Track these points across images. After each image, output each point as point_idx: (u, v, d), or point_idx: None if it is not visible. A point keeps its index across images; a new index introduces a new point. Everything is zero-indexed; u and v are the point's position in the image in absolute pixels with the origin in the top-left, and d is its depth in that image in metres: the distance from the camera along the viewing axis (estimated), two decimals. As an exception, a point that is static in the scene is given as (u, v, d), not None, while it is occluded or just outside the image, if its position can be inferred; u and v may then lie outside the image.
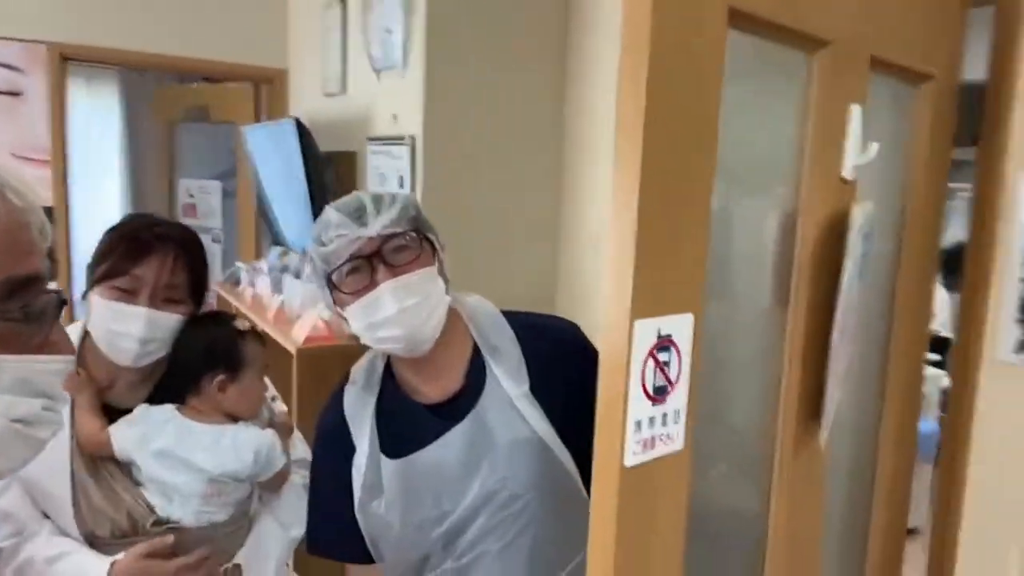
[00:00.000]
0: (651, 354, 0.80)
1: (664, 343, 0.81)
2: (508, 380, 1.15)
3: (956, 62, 1.27)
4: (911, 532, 1.58)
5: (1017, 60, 1.23)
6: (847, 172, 1.03)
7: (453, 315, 1.18)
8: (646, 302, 0.78)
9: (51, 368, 0.61)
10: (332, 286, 1.14)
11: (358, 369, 1.27)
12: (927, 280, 1.37)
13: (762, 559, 1.08)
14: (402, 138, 2.18)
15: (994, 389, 1.29)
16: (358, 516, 1.21)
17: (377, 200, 1.13)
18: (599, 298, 2.35)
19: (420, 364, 1.17)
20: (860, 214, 1.02)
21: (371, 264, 1.11)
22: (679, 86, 0.77)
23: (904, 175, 1.23)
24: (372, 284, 1.10)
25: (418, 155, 2.16)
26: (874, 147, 1.03)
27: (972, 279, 1.31)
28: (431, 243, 1.16)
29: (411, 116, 2.18)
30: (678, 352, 0.83)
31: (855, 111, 1.02)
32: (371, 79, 2.42)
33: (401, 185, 2.22)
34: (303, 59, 3.00)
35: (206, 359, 1.30)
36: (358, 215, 1.11)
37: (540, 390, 1.16)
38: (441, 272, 1.16)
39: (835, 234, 1.03)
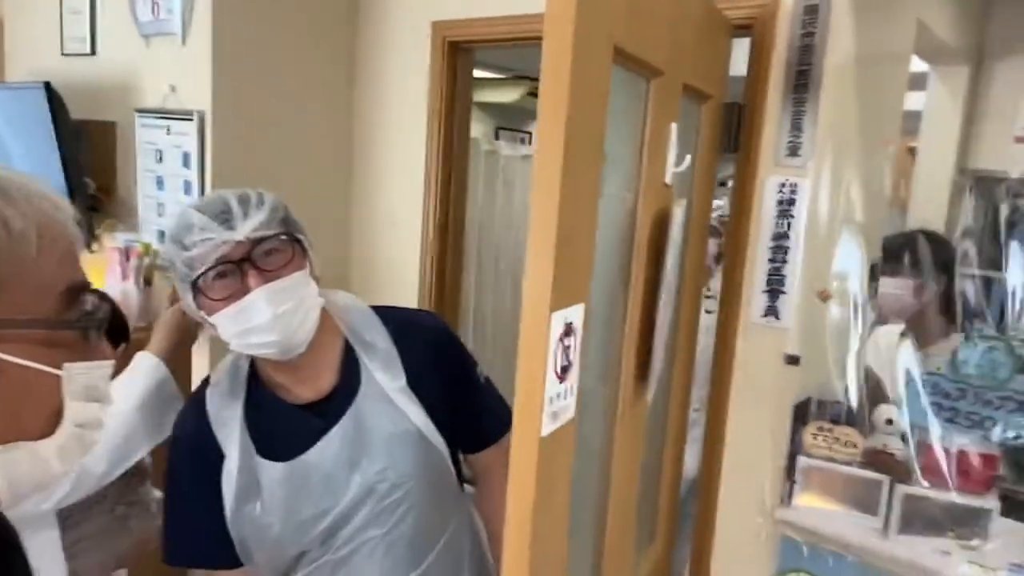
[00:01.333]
0: (560, 340, 0.95)
1: (568, 330, 0.96)
2: (384, 375, 1.17)
3: (724, 84, 1.58)
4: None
5: (766, 83, 1.58)
6: (668, 178, 1.26)
7: (324, 314, 1.15)
8: (558, 297, 0.92)
9: (106, 372, 0.63)
10: (197, 290, 1.08)
11: (220, 372, 1.21)
12: (704, 257, 1.70)
13: (606, 493, 1.31)
14: (188, 113, 2.03)
15: (748, 343, 1.66)
16: (229, 521, 1.17)
17: (244, 201, 1.08)
18: (393, 281, 2.41)
19: (292, 366, 1.14)
20: (679, 212, 1.26)
21: (241, 269, 1.06)
22: (583, 111, 0.91)
23: (693, 176, 1.51)
24: (243, 289, 1.05)
25: (207, 132, 2.03)
26: (687, 159, 1.27)
27: (731, 259, 1.66)
28: (301, 244, 1.12)
29: (196, 90, 2.03)
30: (575, 336, 0.99)
31: (673, 128, 1.25)
32: (135, 44, 2.18)
33: (186, 164, 2.07)
34: (25, 9, 2.58)
35: None
36: (224, 218, 1.05)
37: (417, 384, 1.18)
38: (312, 273, 1.13)
39: (659, 227, 1.26)
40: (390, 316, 1.24)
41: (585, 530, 1.31)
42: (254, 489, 1.17)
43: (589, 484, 1.29)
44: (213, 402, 1.19)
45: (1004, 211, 2.61)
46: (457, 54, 2.10)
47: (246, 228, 1.05)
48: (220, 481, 1.17)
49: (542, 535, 0.96)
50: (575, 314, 0.98)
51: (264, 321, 1.05)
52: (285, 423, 1.18)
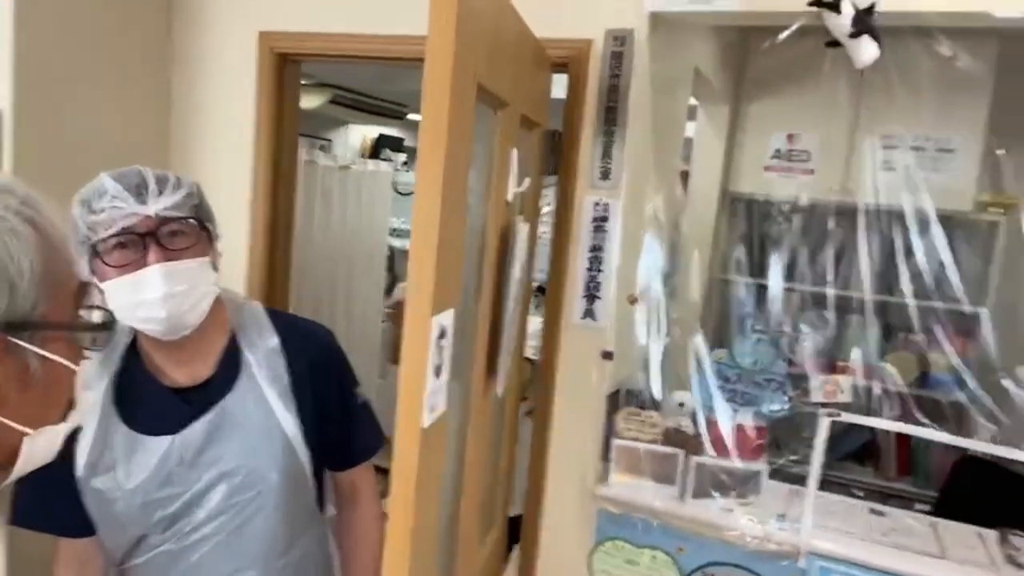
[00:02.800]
0: (437, 341, 1.07)
1: (442, 332, 1.09)
2: (265, 375, 1.20)
3: (547, 113, 1.78)
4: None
5: (581, 115, 1.81)
6: (510, 196, 1.43)
7: (216, 306, 1.18)
8: (437, 302, 1.04)
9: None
10: (95, 254, 1.08)
11: None
12: (532, 267, 1.89)
13: (462, 480, 1.44)
14: (-18, 110, 1.85)
15: (569, 342, 1.88)
16: (82, 490, 1.17)
17: (162, 180, 1.11)
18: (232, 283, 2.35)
19: (172, 348, 1.16)
20: (524, 227, 1.43)
21: (144, 242, 1.08)
22: (455, 139, 1.04)
23: (525, 195, 1.69)
24: (141, 263, 1.07)
25: (5, 133, 1.86)
26: (527, 181, 1.45)
27: (555, 268, 1.87)
28: (208, 233, 1.15)
29: (-8, 85, 1.86)
30: (448, 338, 1.11)
31: (514, 153, 1.42)
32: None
33: (-23, 164, 1.88)
34: None
35: None
36: (139, 191, 1.08)
37: (296, 391, 1.21)
38: (213, 262, 1.16)
39: (503, 241, 1.42)
40: (282, 320, 1.28)
41: (445, 512, 1.43)
42: (107, 460, 1.17)
43: (450, 472, 1.41)
44: (83, 369, 1.17)
45: (760, 228, 3.14)
46: (285, 66, 2.12)
47: (158, 205, 1.08)
48: (73, 449, 1.16)
49: (422, 517, 1.08)
50: (448, 318, 1.10)
51: (155, 297, 1.07)
52: (155, 403, 1.19)
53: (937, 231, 2.96)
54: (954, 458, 2.72)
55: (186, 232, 1.11)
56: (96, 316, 0.64)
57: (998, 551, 1.71)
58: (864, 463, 3.19)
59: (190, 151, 2.26)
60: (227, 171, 2.22)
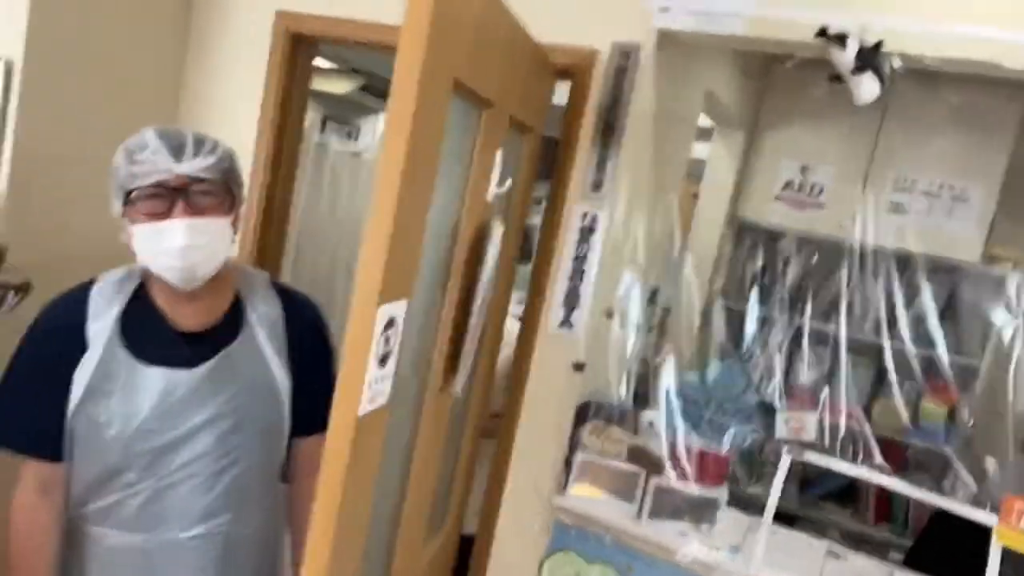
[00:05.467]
0: (384, 331, 1.07)
1: (391, 322, 1.09)
2: (265, 335, 1.30)
3: (543, 119, 1.78)
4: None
5: (580, 124, 1.80)
6: (490, 197, 1.43)
7: (227, 269, 1.28)
8: (385, 294, 1.04)
9: None
10: (128, 201, 1.18)
11: (108, 278, 1.27)
12: (513, 270, 1.89)
13: (407, 474, 1.44)
14: (-7, 59, 1.88)
15: (544, 350, 1.87)
16: (72, 415, 1.21)
17: (199, 142, 1.20)
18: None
19: (182, 296, 1.24)
20: (498, 227, 1.43)
21: (173, 197, 1.17)
22: (423, 130, 1.04)
23: (513, 197, 1.69)
24: (167, 213, 1.17)
25: (14, 84, 1.89)
26: (509, 181, 1.45)
27: (537, 274, 1.87)
28: (234, 198, 1.24)
29: (5, 33, 1.90)
30: (397, 329, 1.11)
31: (498, 154, 1.42)
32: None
33: (-15, 112, 1.91)
34: None
35: None
36: (177, 150, 1.17)
37: (292, 351, 1.32)
38: (234, 224, 1.25)
39: (479, 239, 1.42)
40: (283, 289, 1.39)
41: (385, 507, 1.44)
42: (106, 387, 1.21)
43: (393, 464, 1.42)
44: (95, 300, 1.25)
45: (764, 257, 3.12)
46: (299, 47, 2.14)
47: (192, 165, 1.17)
48: (72, 373, 1.21)
49: (350, 503, 1.08)
50: (399, 309, 1.10)
51: (175, 247, 1.17)
52: (162, 340, 1.25)
53: (944, 280, 2.93)
54: (932, 509, 2.67)
55: (213, 193, 1.20)
56: (15, 278, 0.65)
57: (952, 609, 1.67)
58: (845, 505, 3.15)
59: (196, 116, 2.29)
60: (230, 142, 2.24)
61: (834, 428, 1.61)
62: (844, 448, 1.70)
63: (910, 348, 2.27)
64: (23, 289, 1.66)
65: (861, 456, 1.73)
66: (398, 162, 0.99)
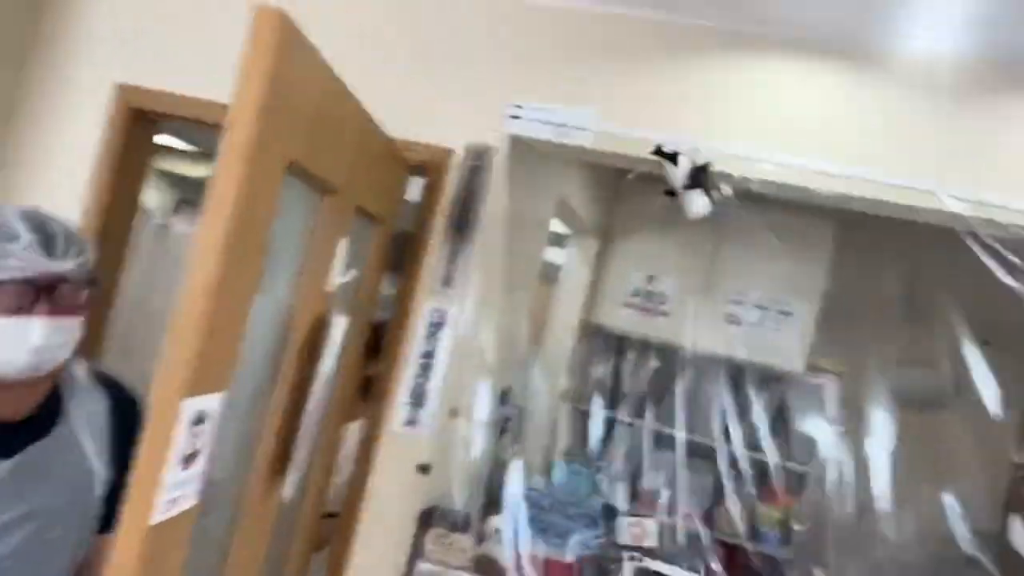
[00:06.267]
0: (190, 427, 0.96)
1: (199, 417, 0.98)
2: (84, 426, 1.18)
3: (396, 212, 1.76)
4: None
5: (433, 219, 1.80)
6: (330, 287, 1.36)
7: None
8: (192, 385, 0.94)
9: None
10: None
11: None
12: (360, 366, 1.80)
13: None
14: None
15: (387, 450, 1.77)
16: None
17: (69, 238, 1.11)
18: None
19: (4, 385, 1.10)
20: (341, 319, 1.36)
21: (36, 293, 1.07)
22: (248, 212, 0.98)
23: (361, 290, 1.63)
24: (28, 309, 1.06)
25: None
26: (352, 272, 1.39)
27: (385, 370, 1.79)
28: (91, 294, 1.15)
29: None
30: (209, 425, 1.00)
31: (342, 243, 1.37)
32: None
33: None
34: None
35: None
36: (48, 246, 1.08)
37: (115, 445, 1.19)
38: (86, 320, 1.16)
39: (317, 330, 1.34)
40: (108, 380, 1.27)
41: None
42: None
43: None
44: None
45: (612, 362, 3.20)
46: (138, 122, 2.03)
47: (63, 265, 1.08)
48: None
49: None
50: (211, 403, 1.00)
51: (31, 346, 1.07)
52: None
53: (775, 388, 3.12)
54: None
55: (77, 290, 1.12)
56: None
57: None
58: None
59: (15, 184, 2.09)
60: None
61: (673, 532, 1.60)
62: (684, 553, 1.70)
63: (743, 453, 2.37)
64: None
65: (701, 562, 1.73)
66: (215, 242, 0.92)
